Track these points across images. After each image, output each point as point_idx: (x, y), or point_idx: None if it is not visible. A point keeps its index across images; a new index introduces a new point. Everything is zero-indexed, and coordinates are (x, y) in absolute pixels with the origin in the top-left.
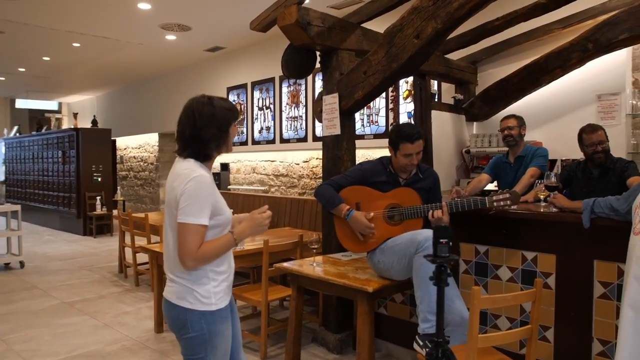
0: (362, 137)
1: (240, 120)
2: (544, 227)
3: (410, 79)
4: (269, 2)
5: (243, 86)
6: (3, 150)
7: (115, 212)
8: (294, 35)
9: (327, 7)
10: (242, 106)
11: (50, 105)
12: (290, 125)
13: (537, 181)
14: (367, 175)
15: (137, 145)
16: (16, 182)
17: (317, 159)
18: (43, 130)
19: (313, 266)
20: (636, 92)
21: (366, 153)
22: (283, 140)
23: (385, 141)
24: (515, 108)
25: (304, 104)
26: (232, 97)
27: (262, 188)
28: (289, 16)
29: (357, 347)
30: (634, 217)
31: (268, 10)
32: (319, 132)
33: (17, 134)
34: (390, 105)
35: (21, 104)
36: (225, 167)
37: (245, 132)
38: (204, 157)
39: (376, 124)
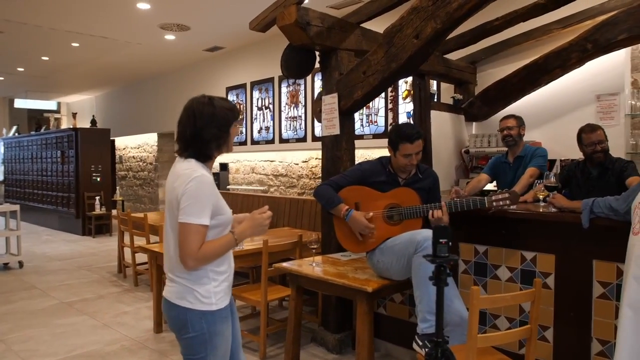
0: (361, 137)
1: (239, 120)
2: (543, 227)
3: (410, 79)
4: (268, 2)
5: (242, 86)
6: (2, 150)
7: (114, 212)
8: (293, 35)
9: (327, 7)
10: (241, 106)
11: (49, 105)
12: (290, 125)
13: (536, 181)
14: (367, 175)
15: (136, 145)
16: (15, 182)
17: (316, 159)
18: (42, 130)
19: (312, 266)
20: (635, 92)
21: (365, 153)
22: (282, 140)
23: (385, 141)
24: (514, 108)
25: (303, 104)
26: (231, 97)
27: (261, 188)
28: (288, 16)
29: (357, 347)
30: (633, 217)
31: (267, 10)
32: (318, 132)
33: (16, 134)
34: (390, 105)
35: (20, 103)
36: (224, 167)
37: (244, 132)
38: (205, 157)
39: (375, 124)
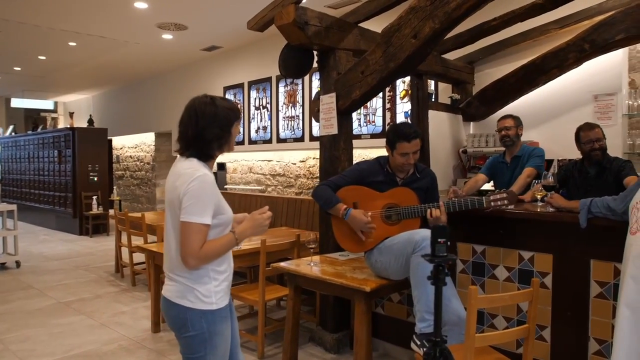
0: (359, 137)
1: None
2: (541, 227)
3: (407, 78)
4: (266, 2)
5: (240, 86)
6: None
7: (111, 211)
8: (292, 34)
9: (325, 6)
10: (239, 106)
11: (46, 104)
12: (287, 125)
13: (534, 181)
14: (365, 175)
15: (133, 145)
16: (12, 182)
17: (314, 158)
18: (39, 130)
19: (310, 266)
20: (632, 92)
21: (363, 153)
22: (280, 140)
23: (382, 141)
24: (512, 108)
25: (301, 103)
26: (229, 97)
27: (259, 188)
28: (287, 16)
29: (355, 346)
30: (631, 217)
31: (265, 10)
32: (315, 131)
33: (13, 134)
34: (387, 105)
35: (17, 103)
36: (221, 166)
37: (241, 132)
38: (206, 157)
39: (373, 123)
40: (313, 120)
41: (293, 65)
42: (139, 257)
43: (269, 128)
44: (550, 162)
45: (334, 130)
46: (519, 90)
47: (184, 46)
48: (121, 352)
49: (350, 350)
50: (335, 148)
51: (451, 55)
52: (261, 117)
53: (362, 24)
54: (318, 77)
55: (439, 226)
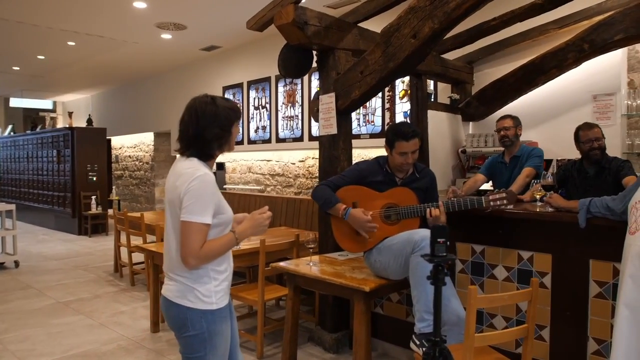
0: (358, 136)
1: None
2: (540, 227)
3: (407, 78)
4: (265, 1)
5: (239, 85)
6: None
7: (110, 211)
8: (291, 34)
9: (324, 6)
10: (238, 105)
11: (44, 104)
12: (286, 124)
13: (533, 181)
14: (364, 175)
15: (132, 145)
16: (11, 182)
17: (313, 158)
18: (37, 130)
19: (309, 266)
20: (631, 92)
21: (362, 153)
22: (279, 140)
23: (382, 141)
24: (511, 108)
25: (300, 103)
26: (228, 97)
27: (258, 187)
28: (286, 15)
29: (354, 346)
30: (630, 217)
31: (265, 10)
32: (315, 131)
33: (12, 133)
34: (387, 105)
35: (15, 102)
36: (220, 166)
37: (241, 132)
38: (207, 157)
39: (372, 123)
40: (312, 120)
41: (292, 65)
42: (138, 256)
43: (268, 128)
44: (549, 162)
45: (333, 130)
46: (518, 90)
47: (183, 46)
48: (120, 352)
49: (350, 350)
50: (334, 148)
51: (450, 55)
52: (260, 117)
53: (361, 24)
54: (317, 77)
55: (438, 226)
